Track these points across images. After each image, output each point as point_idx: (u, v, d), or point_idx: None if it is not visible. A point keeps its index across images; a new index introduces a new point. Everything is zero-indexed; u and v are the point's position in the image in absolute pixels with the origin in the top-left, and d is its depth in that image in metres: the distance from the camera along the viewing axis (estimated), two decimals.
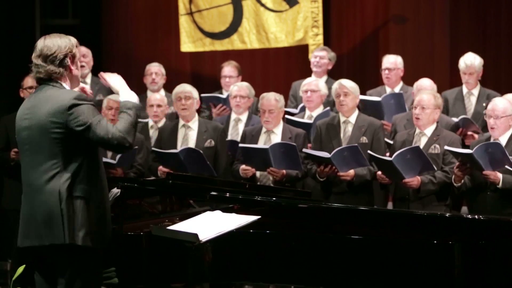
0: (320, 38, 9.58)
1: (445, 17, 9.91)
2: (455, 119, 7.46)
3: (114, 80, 4.34)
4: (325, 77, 8.59)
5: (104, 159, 6.76)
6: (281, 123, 7.17)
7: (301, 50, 9.71)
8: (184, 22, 9.80)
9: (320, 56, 8.67)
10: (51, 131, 4.10)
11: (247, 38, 9.71)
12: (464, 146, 6.93)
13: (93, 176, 4.18)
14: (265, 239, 4.84)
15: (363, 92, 7.60)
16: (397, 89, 8.26)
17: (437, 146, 6.55)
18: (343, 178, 6.73)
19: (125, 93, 4.28)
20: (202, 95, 8.14)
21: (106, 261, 4.46)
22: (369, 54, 10.12)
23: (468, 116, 7.65)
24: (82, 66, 4.43)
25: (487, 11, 9.83)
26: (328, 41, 9.79)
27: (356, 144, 6.69)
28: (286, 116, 7.59)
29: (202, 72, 10.49)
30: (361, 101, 7.33)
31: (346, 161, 6.64)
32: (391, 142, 7.01)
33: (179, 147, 7.14)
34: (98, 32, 10.55)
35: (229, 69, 8.62)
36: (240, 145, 7.05)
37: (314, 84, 7.76)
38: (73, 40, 4.25)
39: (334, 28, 10.21)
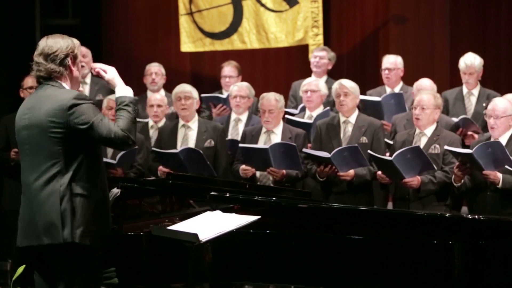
0: (320, 38, 9.58)
1: (445, 17, 9.91)
2: (455, 119, 7.46)
3: (111, 73, 4.34)
4: (325, 77, 8.59)
5: (104, 159, 6.74)
6: (281, 123, 7.17)
7: (301, 50, 9.71)
8: (184, 22, 9.80)
9: (320, 56, 8.67)
10: (50, 131, 4.11)
11: (247, 38, 9.71)
12: (464, 146, 6.93)
13: (93, 175, 4.19)
14: (265, 239, 4.84)
15: (363, 92, 7.60)
16: (397, 89, 8.25)
17: (437, 146, 6.55)
18: (343, 178, 6.73)
19: (121, 88, 4.29)
20: (202, 95, 8.14)
21: (106, 261, 4.46)
22: (369, 54, 10.11)
23: (468, 116, 7.64)
24: (82, 66, 4.42)
25: (487, 11, 9.83)
26: (328, 41, 9.78)
27: (356, 144, 6.69)
28: (286, 116, 7.59)
29: (202, 72, 10.49)
30: (361, 101, 7.33)
31: (346, 161, 6.64)
32: (391, 142, 7.01)
33: (179, 147, 7.14)
34: (98, 32, 10.55)
35: (229, 69, 8.62)
36: (240, 145, 7.05)
37: (314, 84, 7.76)
38: (75, 41, 4.27)
39: (334, 28, 10.21)
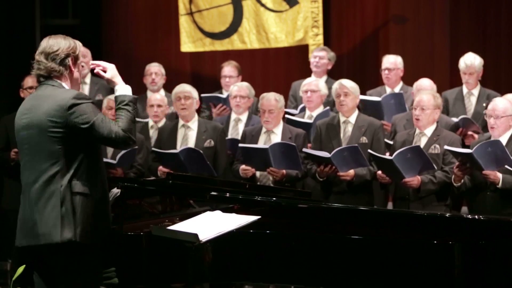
0: (320, 38, 9.58)
1: (445, 17, 9.91)
2: (455, 119, 7.46)
3: (110, 72, 4.35)
4: (325, 77, 8.59)
5: (104, 159, 6.74)
6: (281, 123, 7.17)
7: (301, 50, 9.71)
8: (184, 22, 9.80)
9: (320, 56, 8.67)
10: (50, 130, 4.11)
11: (247, 38, 9.71)
12: (464, 146, 6.92)
13: (93, 175, 4.19)
14: (265, 239, 4.83)
15: (363, 92, 7.61)
16: (397, 89, 8.25)
17: (437, 146, 6.55)
18: (343, 178, 6.73)
19: (120, 87, 4.30)
20: (202, 95, 8.14)
21: (106, 261, 4.46)
22: (369, 54, 10.12)
23: (468, 116, 7.64)
24: (81, 66, 4.43)
25: (487, 11, 9.83)
26: (328, 41, 9.79)
27: (356, 144, 6.69)
28: (286, 116, 7.59)
29: (202, 72, 10.49)
30: (361, 101, 7.33)
31: (346, 161, 6.64)
32: (391, 142, 7.01)
33: (179, 147, 7.14)
34: (98, 32, 10.55)
35: (229, 69, 8.62)
36: (240, 145, 7.05)
37: (314, 84, 7.76)
38: (77, 43, 4.28)
39: (334, 28, 10.21)
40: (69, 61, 4.22)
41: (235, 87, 7.73)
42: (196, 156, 6.89)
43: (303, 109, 7.88)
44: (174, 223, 4.68)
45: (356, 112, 7.03)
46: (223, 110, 8.05)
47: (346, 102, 6.93)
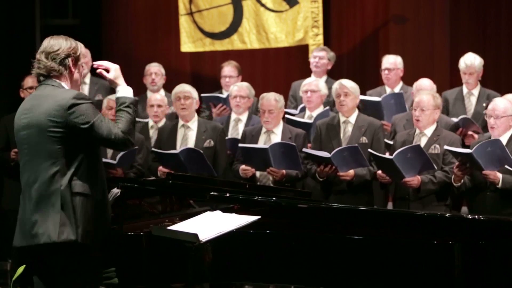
0: (320, 38, 9.58)
1: (445, 17, 9.91)
2: (455, 119, 7.46)
3: (113, 73, 4.35)
4: (324, 77, 8.59)
5: (104, 160, 6.76)
6: (281, 123, 7.17)
7: (301, 50, 9.71)
8: (184, 22, 9.80)
9: (320, 57, 8.67)
10: (50, 130, 4.11)
11: (247, 38, 9.71)
12: (464, 146, 6.92)
13: (92, 175, 4.19)
14: (265, 239, 4.83)
15: (363, 92, 7.60)
16: (397, 89, 8.25)
17: (437, 146, 6.55)
18: (343, 178, 6.73)
19: (122, 88, 4.30)
20: (202, 95, 8.14)
21: (106, 261, 4.46)
22: (369, 54, 10.12)
23: (468, 116, 7.64)
24: (81, 67, 4.43)
25: (487, 11, 9.83)
26: (328, 41, 9.79)
27: (356, 144, 6.69)
28: (286, 116, 7.59)
29: (202, 72, 10.49)
30: (361, 101, 7.33)
31: (346, 161, 6.64)
32: (391, 142, 7.01)
33: (179, 147, 7.14)
34: (98, 32, 10.55)
35: (229, 69, 8.62)
36: (240, 145, 7.05)
37: (314, 84, 7.76)
38: (79, 44, 4.30)
39: (334, 28, 10.21)
40: (69, 61, 4.23)
41: (235, 87, 7.73)
42: (196, 156, 6.89)
43: (303, 109, 7.88)
44: (174, 223, 4.68)
45: (356, 112, 7.03)
46: (223, 110, 8.05)
47: (346, 102, 6.93)
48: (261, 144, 7.03)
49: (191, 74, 10.49)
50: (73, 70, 4.26)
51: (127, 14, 10.71)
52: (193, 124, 7.26)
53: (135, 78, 8.51)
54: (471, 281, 4.48)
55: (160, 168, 7.05)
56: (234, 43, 9.76)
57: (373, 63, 9.70)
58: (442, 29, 9.91)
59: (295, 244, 4.79)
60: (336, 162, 6.61)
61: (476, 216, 4.90)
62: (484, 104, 7.36)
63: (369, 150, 6.62)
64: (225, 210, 4.68)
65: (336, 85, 7.06)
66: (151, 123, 7.74)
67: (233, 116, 7.72)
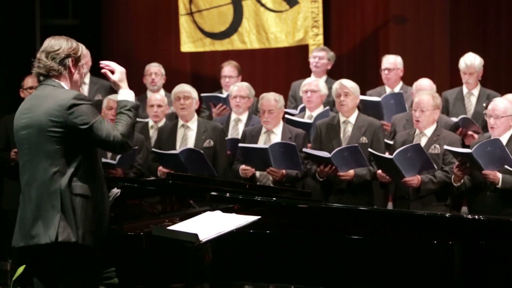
0: (320, 38, 9.58)
1: (445, 17, 9.91)
2: (455, 119, 7.46)
3: (118, 75, 4.35)
4: (324, 77, 8.59)
5: (104, 160, 6.77)
6: (281, 123, 7.17)
7: (301, 50, 9.71)
8: (184, 22, 9.80)
9: (319, 57, 8.67)
10: (49, 130, 4.11)
11: (247, 38, 9.71)
12: (464, 146, 6.92)
13: (92, 175, 4.19)
14: (265, 239, 4.83)
15: (363, 92, 7.60)
16: (396, 89, 8.25)
17: (437, 146, 6.55)
18: (343, 178, 6.73)
19: (124, 92, 4.30)
20: (202, 94, 8.14)
21: (106, 261, 4.46)
22: (369, 54, 10.12)
23: (468, 116, 7.64)
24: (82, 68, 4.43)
25: (487, 11, 9.83)
26: (328, 41, 9.79)
27: (356, 144, 6.69)
28: (286, 116, 7.59)
29: (202, 72, 10.49)
30: (361, 101, 7.33)
31: (346, 161, 6.64)
32: (391, 142, 7.01)
33: (178, 147, 7.14)
34: (98, 32, 10.55)
35: (229, 69, 8.61)
36: (240, 145, 7.05)
37: (314, 84, 7.76)
38: (80, 45, 4.30)
39: (334, 28, 10.21)
40: (69, 61, 4.23)
41: (235, 87, 7.73)
42: (196, 157, 6.89)
43: (303, 109, 7.88)
44: (174, 223, 4.68)
45: (356, 112, 7.03)
46: (223, 110, 8.05)
47: (346, 102, 6.93)
48: (261, 144, 7.03)
49: (191, 74, 10.49)
50: (73, 70, 4.26)
51: (127, 14, 10.71)
52: (193, 124, 7.26)
53: (135, 78, 8.50)
54: (471, 281, 4.48)
55: (160, 168, 7.05)
56: (234, 43, 9.76)
57: (373, 63, 9.70)
58: (442, 29, 9.91)
59: (295, 244, 4.79)
60: (336, 162, 6.61)
61: (476, 216, 4.90)
62: (484, 104, 7.35)
63: (369, 149, 6.62)
64: (225, 210, 4.68)
65: (336, 85, 7.06)
66: (151, 123, 7.73)
67: (233, 116, 7.72)
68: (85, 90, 8.26)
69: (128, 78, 4.47)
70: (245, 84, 7.78)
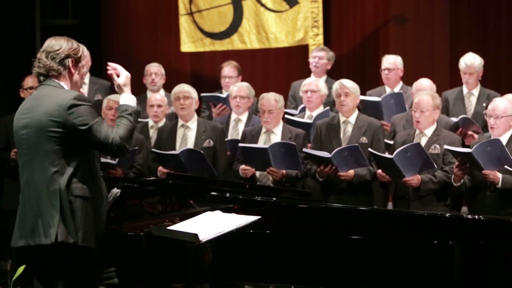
0: (320, 38, 9.58)
1: (445, 17, 9.92)
2: (455, 119, 7.46)
3: (123, 80, 4.36)
4: (324, 77, 8.59)
5: (104, 160, 6.76)
6: (281, 123, 7.17)
7: (301, 50, 9.71)
8: (184, 22, 9.80)
9: (319, 57, 8.67)
10: (49, 130, 4.11)
11: (247, 38, 9.71)
12: (464, 146, 6.92)
13: (91, 176, 4.20)
14: (265, 239, 4.83)
15: (363, 92, 7.60)
16: (396, 89, 8.25)
17: (437, 146, 6.55)
18: (343, 178, 6.73)
19: (127, 96, 4.31)
20: (202, 94, 8.14)
21: (106, 261, 4.46)
22: (369, 54, 10.12)
23: (468, 116, 7.64)
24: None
25: (487, 11, 9.83)
26: (328, 41, 9.79)
27: (357, 144, 6.69)
28: (286, 116, 7.59)
29: (202, 72, 10.49)
30: (361, 101, 7.33)
31: (346, 161, 6.64)
32: (391, 142, 7.01)
33: (178, 147, 7.14)
34: (98, 32, 10.55)
35: (229, 69, 8.61)
36: (240, 144, 7.05)
37: (314, 85, 7.76)
38: (81, 46, 4.30)
39: (334, 28, 10.21)
40: (69, 62, 4.23)
41: (235, 87, 7.73)
42: (197, 157, 6.89)
43: (303, 109, 7.88)
44: (174, 223, 4.68)
45: (356, 112, 7.03)
46: (223, 110, 8.05)
47: (346, 102, 6.93)
48: (261, 144, 7.03)
49: (191, 74, 10.49)
50: (72, 71, 4.26)
51: (127, 14, 10.71)
52: (193, 124, 7.26)
53: (135, 78, 8.43)
54: (471, 281, 4.48)
55: (160, 168, 7.05)
56: (234, 43, 9.76)
57: (373, 63, 9.70)
58: (442, 29, 9.91)
59: (295, 244, 4.79)
60: (336, 162, 6.61)
61: (476, 216, 4.90)
62: (484, 104, 7.36)
63: (369, 149, 6.62)
64: (225, 210, 4.68)
65: (336, 85, 7.06)
66: (151, 123, 7.73)
67: (233, 116, 7.72)
68: (84, 90, 8.26)
69: None
70: (245, 84, 7.78)
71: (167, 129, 7.34)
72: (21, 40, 9.74)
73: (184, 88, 7.31)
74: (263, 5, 9.66)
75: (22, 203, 4.21)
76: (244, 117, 7.68)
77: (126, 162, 7.12)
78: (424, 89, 7.43)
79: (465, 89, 7.98)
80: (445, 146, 6.37)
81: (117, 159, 6.97)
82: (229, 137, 7.56)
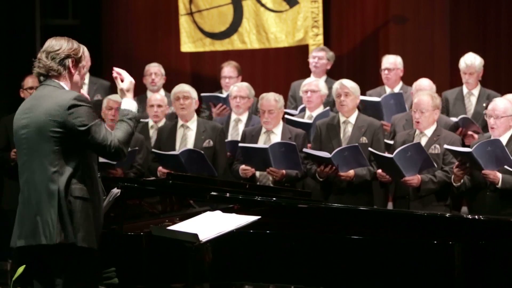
0: (320, 38, 9.58)
1: (445, 17, 9.91)
2: (455, 119, 7.45)
3: (127, 85, 4.36)
4: (324, 77, 8.58)
5: (104, 160, 6.75)
6: (281, 123, 7.17)
7: (301, 50, 9.71)
8: (184, 22, 9.80)
9: (319, 57, 8.67)
10: (49, 130, 4.11)
11: (247, 38, 9.71)
12: (464, 146, 6.92)
13: (90, 177, 4.19)
14: (265, 239, 4.84)
15: (363, 92, 7.60)
16: (396, 89, 8.25)
17: (437, 146, 6.55)
18: (343, 179, 6.73)
19: (129, 101, 4.31)
20: (202, 94, 8.14)
21: (106, 261, 4.46)
22: (369, 54, 10.12)
23: (468, 116, 7.64)
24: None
25: (487, 11, 9.83)
26: (328, 41, 9.79)
27: (357, 144, 6.69)
28: (286, 116, 7.59)
29: (202, 72, 10.49)
30: (361, 101, 7.33)
31: (346, 161, 6.64)
32: (391, 142, 7.01)
33: (178, 147, 7.14)
34: (98, 32, 10.55)
35: (228, 69, 8.60)
36: (240, 144, 7.05)
37: (314, 85, 7.76)
38: (82, 47, 4.30)
39: (334, 28, 10.21)
40: (69, 62, 4.23)
41: (235, 87, 7.73)
42: (197, 157, 6.89)
43: (303, 109, 7.88)
44: (174, 223, 4.68)
45: (356, 112, 7.03)
46: (223, 110, 8.04)
47: (346, 102, 6.93)
48: (261, 144, 7.03)
49: (191, 74, 10.49)
50: (72, 71, 4.26)
51: (127, 14, 10.71)
52: (193, 124, 7.26)
53: (135, 78, 8.47)
54: (471, 281, 4.48)
55: (160, 168, 7.04)
56: (234, 43, 9.76)
57: (373, 63, 9.70)
58: (442, 29, 9.91)
59: (295, 244, 4.79)
60: (337, 162, 6.61)
61: (476, 216, 4.90)
62: (484, 104, 7.35)
63: (369, 148, 6.62)
64: (225, 210, 4.68)
65: (336, 85, 7.06)
66: (151, 123, 7.73)
67: (233, 116, 7.71)
68: (84, 89, 8.24)
69: None
70: (245, 84, 7.78)
71: (167, 129, 7.34)
72: (21, 40, 9.74)
73: (184, 88, 7.31)
74: (263, 5, 9.66)
75: (21, 203, 4.21)
76: (244, 117, 7.68)
77: (126, 162, 7.12)
78: (424, 89, 7.42)
79: (465, 89, 7.98)
80: (445, 146, 6.37)
81: None
82: (229, 137, 7.56)
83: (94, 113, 4.18)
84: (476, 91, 7.94)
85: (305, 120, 7.57)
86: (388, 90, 8.25)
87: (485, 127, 6.87)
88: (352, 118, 6.97)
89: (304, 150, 6.86)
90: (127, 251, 4.87)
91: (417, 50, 9.90)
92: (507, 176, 6.14)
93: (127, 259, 4.88)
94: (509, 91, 7.18)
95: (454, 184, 6.34)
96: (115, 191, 4.78)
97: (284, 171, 6.86)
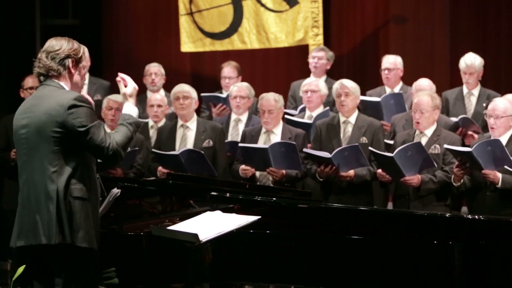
0: (320, 38, 9.58)
1: (445, 17, 9.91)
2: (455, 119, 7.45)
3: (130, 90, 4.36)
4: (324, 77, 8.58)
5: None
6: (281, 123, 7.17)
7: (301, 50, 9.71)
8: (184, 22, 9.80)
9: (318, 57, 8.67)
10: (49, 130, 4.11)
11: (247, 38, 9.71)
12: (464, 146, 6.92)
13: (88, 177, 4.19)
14: (265, 239, 4.84)
15: (363, 92, 7.60)
16: (396, 89, 8.25)
17: (437, 146, 6.55)
18: (343, 179, 6.73)
19: (130, 106, 4.31)
20: (202, 94, 8.14)
21: (106, 261, 4.46)
22: (369, 54, 10.12)
23: (468, 116, 7.64)
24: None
25: (487, 11, 9.83)
26: (328, 41, 9.79)
27: (357, 144, 6.69)
28: (286, 116, 7.59)
29: (202, 72, 10.49)
30: (361, 101, 7.33)
31: (346, 161, 6.64)
32: (391, 142, 7.01)
33: (178, 147, 7.14)
34: (98, 32, 10.55)
35: (228, 69, 8.60)
36: (240, 144, 7.05)
37: (314, 85, 7.76)
38: (83, 47, 4.30)
39: (334, 28, 10.21)
40: (69, 62, 4.23)
41: (235, 87, 7.73)
42: (197, 157, 6.89)
43: (303, 110, 7.88)
44: (174, 223, 4.68)
45: (356, 112, 7.03)
46: (223, 110, 8.04)
47: (346, 102, 6.93)
48: (261, 144, 7.03)
49: (191, 74, 10.49)
50: (73, 71, 4.26)
51: (127, 14, 10.70)
52: (192, 124, 7.26)
53: (135, 78, 8.46)
54: (471, 281, 4.48)
55: (160, 168, 7.04)
56: (234, 43, 9.76)
57: (373, 63, 9.70)
58: (442, 29, 9.91)
59: (295, 244, 4.79)
60: (337, 162, 6.61)
61: (476, 216, 4.90)
62: (484, 104, 7.35)
63: (370, 148, 6.62)
64: (225, 210, 4.68)
65: (336, 85, 7.06)
66: (151, 123, 7.74)
67: (233, 116, 7.71)
68: (84, 89, 8.25)
69: None
70: (245, 84, 7.78)
71: (167, 129, 7.34)
72: (21, 40, 9.74)
73: (183, 88, 7.31)
74: (263, 5, 9.66)
75: (21, 203, 4.21)
76: (244, 117, 7.68)
77: (126, 162, 7.12)
78: (424, 89, 7.42)
79: (465, 89, 7.98)
80: (445, 146, 6.37)
81: None
82: (229, 137, 7.56)
83: (94, 115, 4.18)
84: (476, 91, 7.94)
85: (305, 120, 7.57)
86: (388, 90, 8.25)
87: (485, 127, 6.87)
88: (352, 118, 6.97)
89: (304, 150, 6.86)
90: (127, 251, 4.87)
91: (417, 50, 9.90)
92: (507, 176, 6.14)
93: (127, 259, 4.88)
94: (509, 91, 7.18)
95: (454, 184, 6.34)
96: (115, 191, 4.78)
97: (284, 171, 6.86)
